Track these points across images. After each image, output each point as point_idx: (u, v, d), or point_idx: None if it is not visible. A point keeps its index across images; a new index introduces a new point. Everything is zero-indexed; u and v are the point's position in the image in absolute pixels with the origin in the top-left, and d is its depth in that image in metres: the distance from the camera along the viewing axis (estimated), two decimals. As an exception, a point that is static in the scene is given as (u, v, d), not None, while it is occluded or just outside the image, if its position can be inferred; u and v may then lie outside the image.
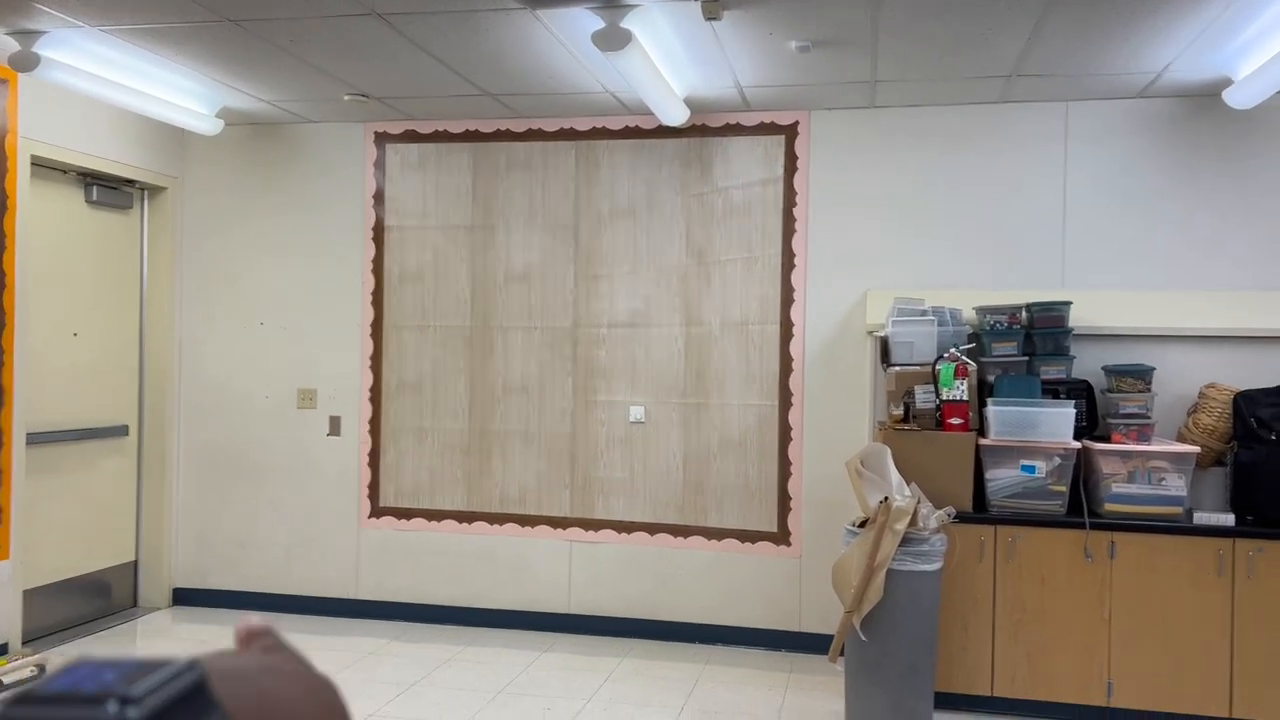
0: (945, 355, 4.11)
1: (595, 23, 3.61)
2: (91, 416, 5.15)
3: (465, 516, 5.26)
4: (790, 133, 4.88)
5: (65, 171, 4.93)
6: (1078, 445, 3.96)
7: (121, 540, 5.39)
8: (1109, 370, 4.21)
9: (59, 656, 4.58)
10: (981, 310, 4.32)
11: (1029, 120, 4.65)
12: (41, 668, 4.34)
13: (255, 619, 0.49)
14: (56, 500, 4.94)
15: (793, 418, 4.87)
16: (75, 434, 5.00)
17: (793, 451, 4.87)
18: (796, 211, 4.87)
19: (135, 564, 5.49)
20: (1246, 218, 4.46)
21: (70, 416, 5.01)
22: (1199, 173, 4.51)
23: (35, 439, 4.74)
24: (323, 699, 0.42)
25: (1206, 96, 4.46)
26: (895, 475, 3.87)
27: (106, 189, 5.16)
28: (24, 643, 4.69)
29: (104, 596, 5.29)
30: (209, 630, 5.13)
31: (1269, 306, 4.37)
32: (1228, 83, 4.21)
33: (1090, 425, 4.19)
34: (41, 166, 4.75)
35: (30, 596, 4.78)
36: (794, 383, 4.86)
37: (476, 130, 5.22)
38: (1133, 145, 4.57)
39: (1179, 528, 3.89)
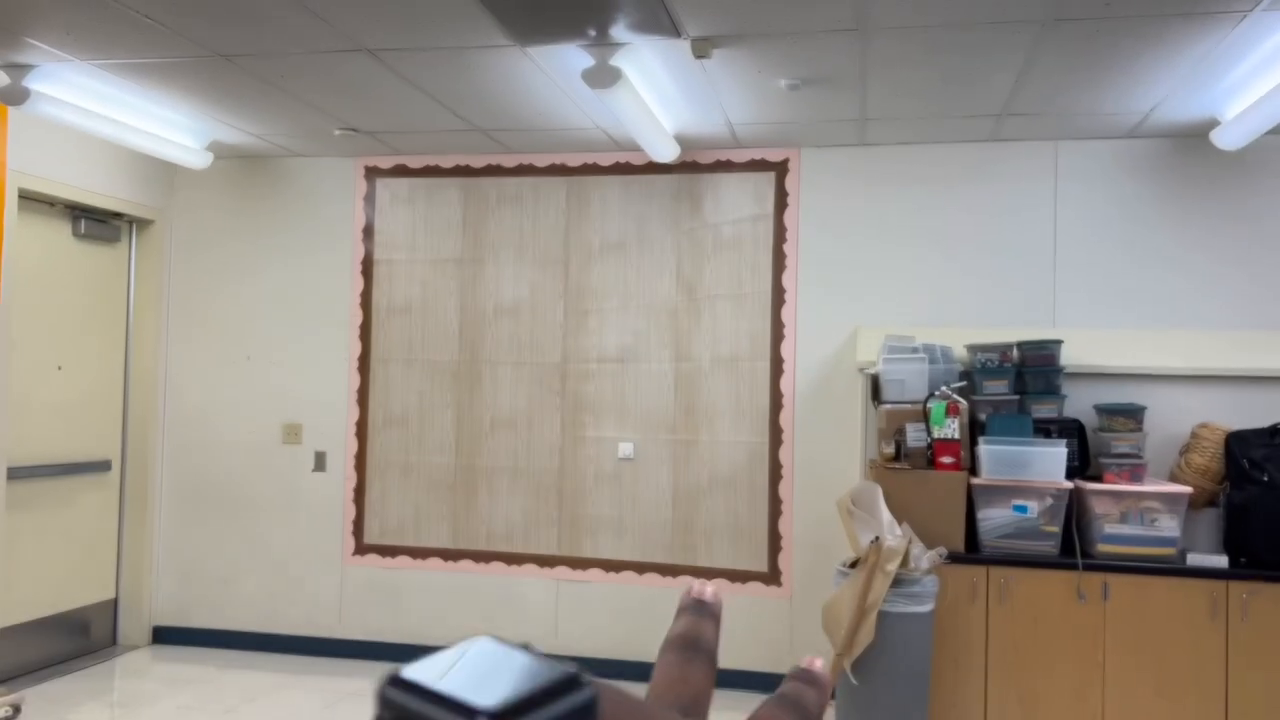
0: (937, 393, 4.09)
1: (585, 60, 3.62)
2: (74, 450, 5.08)
3: (450, 554, 5.19)
4: (781, 170, 4.88)
5: (53, 204, 4.90)
6: (1070, 485, 3.93)
7: (102, 577, 5.31)
8: (1101, 409, 4.19)
9: (35, 696, 4.49)
10: (973, 348, 4.31)
11: (1019, 159, 4.67)
12: (17, 708, 4.24)
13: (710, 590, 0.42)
14: (36, 536, 4.87)
15: (783, 455, 4.83)
16: (57, 469, 4.93)
17: (783, 489, 4.82)
18: (787, 248, 4.86)
19: (115, 601, 5.40)
20: (1237, 257, 4.47)
21: (52, 450, 4.94)
22: (1189, 212, 4.52)
23: (16, 473, 4.67)
24: None
25: (1195, 137, 4.49)
26: (886, 514, 3.83)
27: (94, 222, 5.14)
28: (0, 682, 4.60)
29: (83, 634, 5.19)
30: (189, 669, 5.04)
31: (1261, 346, 4.36)
32: (1215, 123, 4.23)
33: (1082, 465, 4.17)
34: (29, 199, 4.73)
35: (7, 634, 4.69)
36: (784, 419, 4.83)
37: (467, 165, 5.21)
38: (1122, 185, 4.58)
39: (1172, 569, 3.85)
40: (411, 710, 0.26)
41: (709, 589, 0.42)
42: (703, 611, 0.41)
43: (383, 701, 0.27)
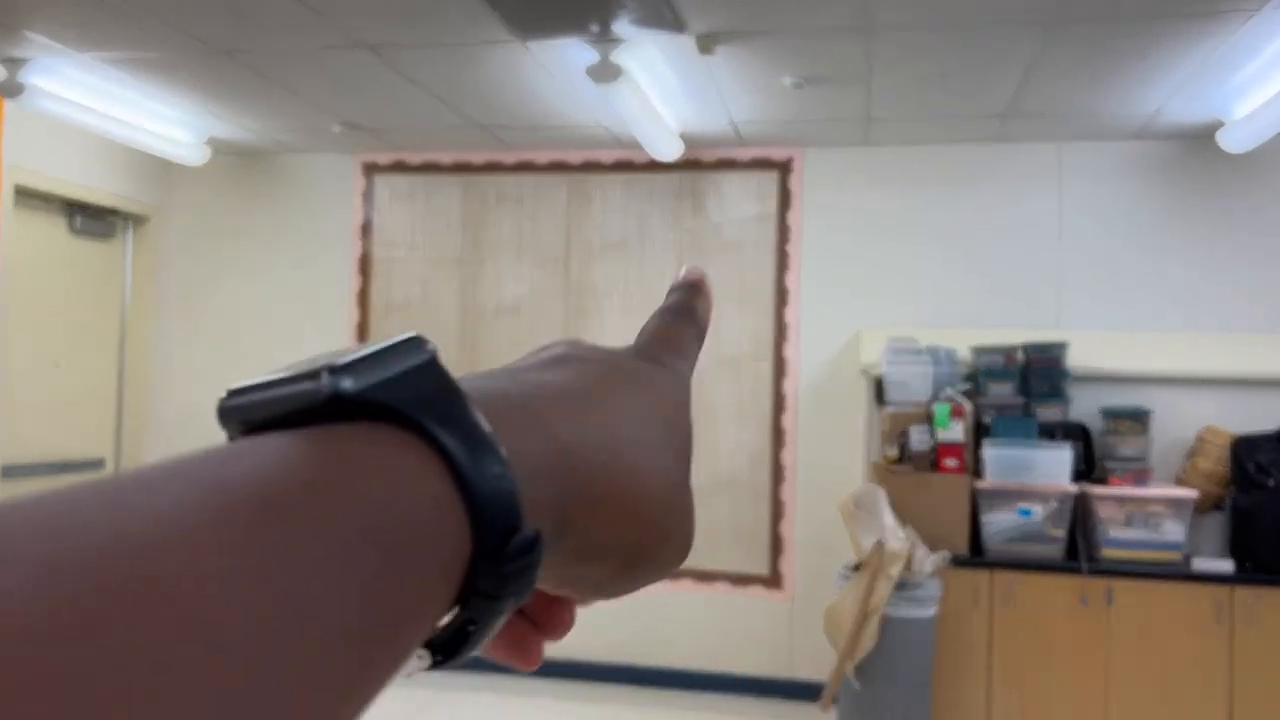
0: (941, 395, 4.05)
1: (588, 55, 3.57)
2: (67, 449, 5.03)
3: (450, 555, 5.14)
4: (784, 169, 4.84)
5: (49, 200, 4.85)
6: (1075, 489, 3.89)
7: (96, 576, 5.26)
8: (1106, 412, 4.15)
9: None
10: (978, 350, 4.27)
11: (1023, 160, 4.63)
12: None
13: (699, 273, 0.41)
14: (30, 535, 4.82)
15: (785, 457, 4.79)
16: (50, 467, 4.88)
17: (785, 492, 4.78)
18: (790, 248, 4.82)
19: (110, 601, 5.35)
20: (1243, 260, 4.43)
21: (46, 448, 4.89)
22: (1194, 215, 4.49)
23: (10, 471, 4.62)
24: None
25: (1201, 138, 4.45)
26: (890, 518, 3.79)
27: (90, 218, 5.09)
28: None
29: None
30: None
31: (1267, 349, 4.32)
32: (1222, 125, 4.19)
33: (1088, 468, 4.13)
34: (25, 195, 4.68)
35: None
36: (787, 421, 4.79)
37: (467, 162, 5.17)
38: (1128, 186, 4.55)
39: (1177, 574, 3.81)
40: (253, 404, 0.25)
41: (703, 272, 0.41)
42: (694, 291, 0.40)
43: (223, 417, 0.25)
